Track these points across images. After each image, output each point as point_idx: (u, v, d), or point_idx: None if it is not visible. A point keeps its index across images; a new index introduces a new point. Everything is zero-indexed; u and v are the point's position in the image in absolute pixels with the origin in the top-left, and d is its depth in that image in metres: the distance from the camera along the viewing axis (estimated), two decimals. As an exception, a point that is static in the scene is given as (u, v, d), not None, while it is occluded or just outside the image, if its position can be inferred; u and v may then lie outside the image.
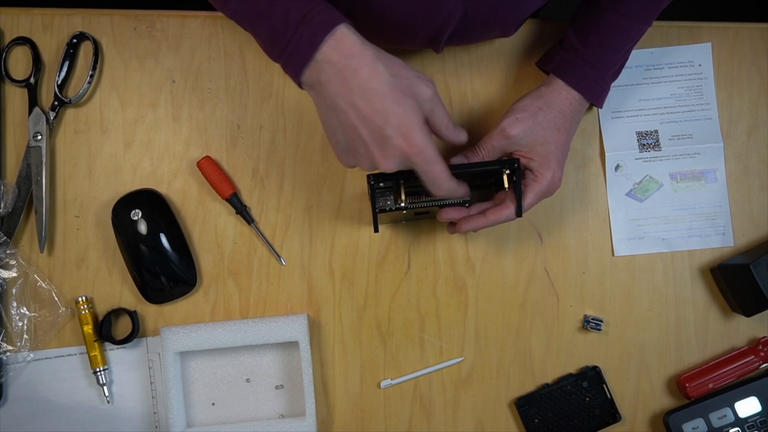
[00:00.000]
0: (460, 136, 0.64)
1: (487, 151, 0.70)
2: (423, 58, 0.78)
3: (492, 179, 0.72)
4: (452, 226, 0.72)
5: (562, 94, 0.70)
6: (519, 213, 0.68)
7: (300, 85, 0.60)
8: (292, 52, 0.58)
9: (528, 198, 0.69)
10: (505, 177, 0.67)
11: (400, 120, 0.56)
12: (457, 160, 0.70)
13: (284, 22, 0.58)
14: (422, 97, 0.58)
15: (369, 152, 0.59)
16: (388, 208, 0.67)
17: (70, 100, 0.75)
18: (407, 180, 0.66)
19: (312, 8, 0.58)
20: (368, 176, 0.65)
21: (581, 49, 0.70)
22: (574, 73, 0.70)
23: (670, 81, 0.80)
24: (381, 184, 0.66)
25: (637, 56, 0.79)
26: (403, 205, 0.67)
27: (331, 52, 0.57)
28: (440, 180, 0.60)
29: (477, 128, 0.78)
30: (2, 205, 0.73)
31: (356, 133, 0.58)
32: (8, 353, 0.74)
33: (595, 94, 0.71)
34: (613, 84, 0.73)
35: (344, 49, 0.57)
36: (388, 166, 0.59)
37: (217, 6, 0.64)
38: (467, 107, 0.78)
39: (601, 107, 0.74)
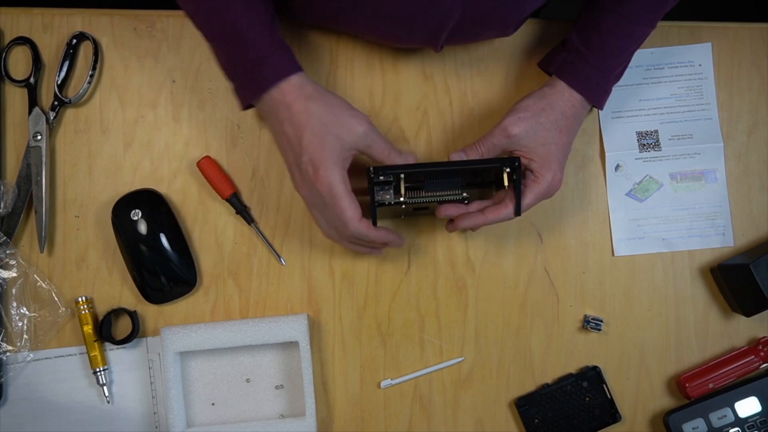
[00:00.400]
0: (407, 159, 0.68)
1: (487, 148, 0.70)
2: (423, 57, 0.78)
3: (492, 177, 0.72)
4: (451, 223, 0.72)
5: (564, 96, 0.70)
6: (518, 212, 0.68)
7: (244, 108, 0.67)
8: (244, 87, 0.66)
9: (527, 198, 0.68)
10: (505, 175, 0.67)
11: (314, 151, 0.63)
12: (455, 156, 0.70)
13: (242, 58, 0.64)
14: (354, 133, 0.64)
15: (293, 173, 0.66)
16: (387, 202, 0.67)
17: (70, 100, 0.75)
18: (407, 175, 0.66)
19: (270, 53, 0.64)
20: (368, 169, 0.66)
21: (584, 51, 0.70)
22: (576, 75, 0.70)
23: (670, 81, 0.80)
24: (381, 177, 0.66)
25: (638, 56, 0.79)
26: (402, 199, 0.67)
27: (276, 93, 0.64)
28: (344, 218, 0.64)
29: (477, 128, 0.78)
30: (2, 205, 0.73)
31: (286, 155, 0.66)
32: (8, 353, 0.74)
33: (597, 96, 0.71)
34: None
35: (289, 93, 0.64)
36: (305, 193, 0.66)
37: (188, 12, 0.67)
38: (467, 107, 0.78)
39: (602, 109, 0.73)
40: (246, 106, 0.67)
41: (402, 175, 0.66)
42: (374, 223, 0.67)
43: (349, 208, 0.64)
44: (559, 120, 0.69)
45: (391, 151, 0.67)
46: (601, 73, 0.70)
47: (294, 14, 0.75)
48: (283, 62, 0.64)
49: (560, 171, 0.70)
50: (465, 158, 0.69)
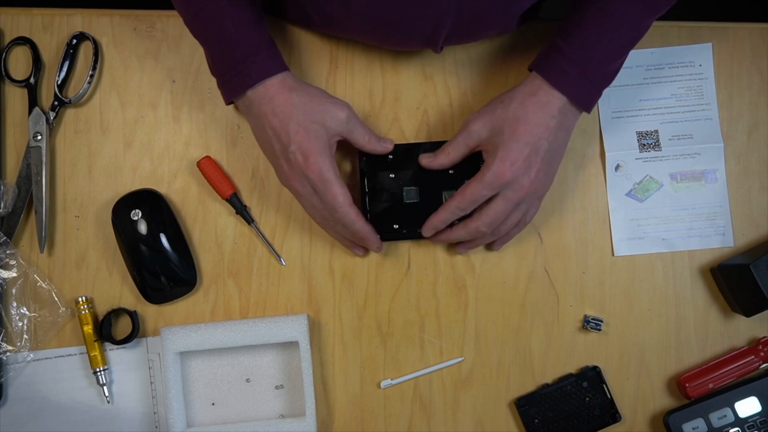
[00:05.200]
0: (385, 145, 0.71)
1: (454, 147, 0.70)
2: (423, 58, 0.78)
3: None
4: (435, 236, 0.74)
5: (527, 86, 0.67)
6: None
7: (227, 103, 0.69)
8: (228, 83, 0.67)
9: (470, 187, 0.66)
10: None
11: (302, 140, 0.64)
12: (425, 159, 0.72)
13: (228, 56, 0.66)
14: (337, 119, 0.66)
15: (280, 165, 0.67)
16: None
17: (70, 100, 0.75)
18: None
19: (256, 53, 0.65)
20: (359, 155, 0.72)
21: (561, 45, 0.67)
22: (547, 64, 0.67)
23: (670, 81, 0.80)
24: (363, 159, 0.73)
25: (637, 56, 0.79)
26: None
27: (260, 87, 0.66)
28: (335, 203, 0.66)
29: (477, 128, 0.78)
30: (2, 205, 0.73)
31: (272, 148, 0.67)
32: (8, 353, 0.74)
33: (555, 76, 0.66)
34: (613, 84, 0.72)
35: (272, 86, 0.66)
36: (294, 183, 0.67)
37: (176, 7, 0.69)
38: (467, 107, 0.78)
39: (587, 110, 0.68)
40: (229, 101, 0.68)
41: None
42: (366, 211, 0.70)
43: (341, 193, 0.66)
44: (516, 110, 0.66)
45: (370, 137, 0.70)
46: (579, 67, 0.66)
47: (296, 21, 0.75)
48: (269, 62, 0.66)
49: (510, 163, 0.65)
50: (433, 160, 0.71)
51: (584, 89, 0.67)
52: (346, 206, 0.66)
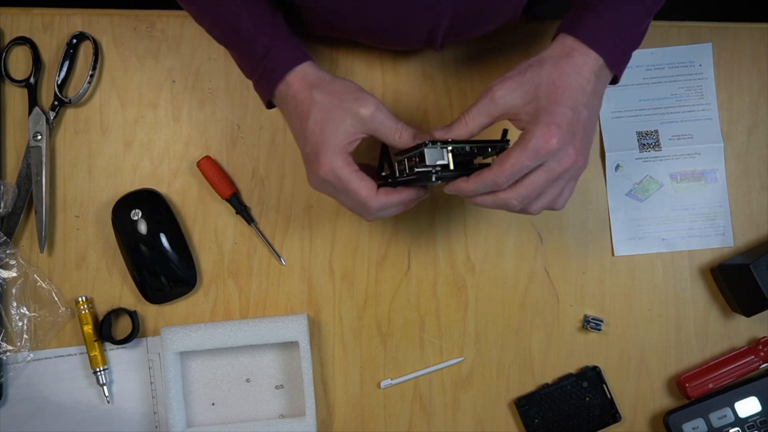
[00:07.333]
0: (419, 140, 0.62)
1: (472, 115, 0.62)
2: (423, 57, 0.78)
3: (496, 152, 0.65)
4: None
5: (556, 47, 0.61)
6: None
7: (267, 107, 0.67)
8: (258, 83, 0.66)
9: (511, 157, 0.58)
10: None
11: (316, 139, 0.62)
12: (439, 133, 0.63)
13: (251, 54, 0.65)
14: (358, 117, 0.61)
15: (306, 169, 0.65)
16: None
17: (70, 100, 0.75)
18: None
19: (274, 45, 0.64)
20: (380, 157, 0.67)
21: (595, 3, 0.63)
22: (569, 19, 0.63)
23: (670, 81, 0.80)
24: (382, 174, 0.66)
25: (637, 56, 0.79)
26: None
27: (282, 86, 0.64)
28: (359, 198, 0.62)
29: (477, 128, 0.78)
30: (2, 205, 0.73)
31: (298, 146, 0.65)
32: (8, 353, 0.74)
33: (590, 34, 0.61)
34: (613, 85, 0.71)
35: (293, 84, 0.63)
36: (316, 186, 0.64)
37: (195, 19, 0.68)
38: (468, 106, 0.78)
39: (618, 71, 0.64)
40: (267, 104, 0.66)
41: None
42: (394, 179, 0.63)
43: (362, 187, 0.61)
44: (551, 73, 0.59)
45: (402, 133, 0.62)
46: (614, 26, 0.61)
47: (295, 26, 0.75)
48: (288, 53, 0.63)
49: (557, 128, 0.58)
50: (448, 131, 0.62)
51: (618, 50, 0.62)
52: (373, 197, 0.61)
